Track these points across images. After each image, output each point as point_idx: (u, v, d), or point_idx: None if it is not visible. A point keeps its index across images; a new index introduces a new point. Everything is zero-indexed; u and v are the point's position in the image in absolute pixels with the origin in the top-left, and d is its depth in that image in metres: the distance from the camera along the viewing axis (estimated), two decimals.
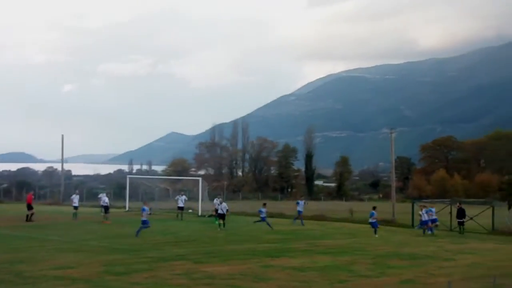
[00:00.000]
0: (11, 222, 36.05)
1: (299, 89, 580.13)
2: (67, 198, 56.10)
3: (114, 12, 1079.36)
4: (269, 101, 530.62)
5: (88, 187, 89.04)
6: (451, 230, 35.99)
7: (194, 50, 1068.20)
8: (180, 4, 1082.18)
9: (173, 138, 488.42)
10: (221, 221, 33.92)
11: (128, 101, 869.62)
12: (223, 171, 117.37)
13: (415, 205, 40.51)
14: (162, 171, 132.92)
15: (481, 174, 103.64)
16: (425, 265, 20.30)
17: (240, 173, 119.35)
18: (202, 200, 48.72)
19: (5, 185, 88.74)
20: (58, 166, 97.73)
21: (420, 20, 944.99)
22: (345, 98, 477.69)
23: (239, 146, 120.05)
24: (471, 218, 37.00)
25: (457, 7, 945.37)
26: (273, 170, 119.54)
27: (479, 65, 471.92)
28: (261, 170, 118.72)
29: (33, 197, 39.63)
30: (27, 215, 36.58)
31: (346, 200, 69.55)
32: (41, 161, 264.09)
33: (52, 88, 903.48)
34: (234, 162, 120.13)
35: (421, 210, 34.42)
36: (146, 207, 29.76)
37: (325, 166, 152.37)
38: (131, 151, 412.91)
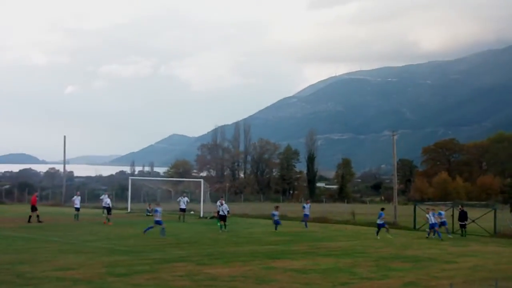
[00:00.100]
0: (13, 223, 36.07)
1: (300, 92, 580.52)
2: (68, 200, 56.16)
3: (115, 14, 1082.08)
4: (271, 103, 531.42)
5: (90, 189, 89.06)
6: (453, 232, 35.89)
7: (196, 53, 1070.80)
8: (181, 7, 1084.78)
9: (175, 139, 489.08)
10: (223, 223, 34.03)
11: (130, 103, 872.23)
12: (225, 173, 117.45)
13: (416, 207, 40.47)
14: (164, 172, 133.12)
15: (483, 176, 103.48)
16: (427, 268, 20.24)
17: (242, 175, 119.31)
18: (203, 201, 48.75)
19: (7, 186, 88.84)
20: (60, 167, 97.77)
21: (421, 23, 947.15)
22: (346, 100, 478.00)
23: (241, 148, 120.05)
24: (473, 221, 36.93)
25: (459, 10, 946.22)
26: (275, 172, 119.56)
27: (481, 68, 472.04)
28: (263, 172, 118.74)
29: (37, 198, 39.86)
30: (30, 216, 36.62)
31: (348, 203, 69.40)
32: (43, 162, 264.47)
33: (54, 90, 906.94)
34: (236, 164, 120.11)
35: (428, 213, 34.09)
36: (159, 208, 29.77)
37: (327, 168, 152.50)
38: (133, 153, 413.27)
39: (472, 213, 38.11)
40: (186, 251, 23.61)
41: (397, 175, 57.53)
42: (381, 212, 33.02)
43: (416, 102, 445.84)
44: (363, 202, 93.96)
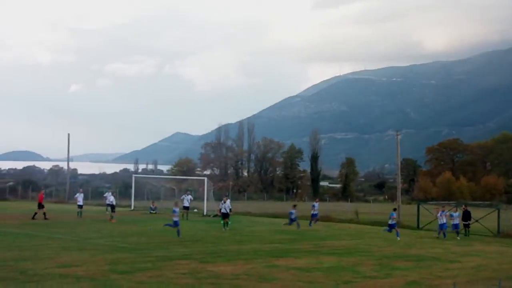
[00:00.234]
0: (17, 220, 36.12)
1: (304, 91, 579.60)
2: (72, 197, 56.21)
3: (115, 14, 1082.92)
4: (274, 102, 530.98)
5: (93, 186, 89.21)
6: (457, 232, 35.80)
7: (200, 52, 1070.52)
8: (181, 7, 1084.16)
9: (178, 138, 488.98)
10: (226, 220, 34.01)
11: (134, 101, 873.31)
12: (229, 171, 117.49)
13: (420, 206, 40.38)
14: (168, 170, 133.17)
15: (487, 176, 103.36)
16: (431, 267, 20.21)
17: (245, 174, 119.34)
18: (207, 200, 48.80)
19: (11, 183, 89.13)
20: (64, 165, 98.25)
21: (425, 23, 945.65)
22: (350, 100, 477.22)
23: (245, 146, 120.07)
24: (477, 221, 36.89)
25: (463, 10, 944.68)
26: (279, 171, 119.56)
27: (485, 68, 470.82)
28: (266, 171, 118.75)
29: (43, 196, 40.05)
30: (35, 213, 36.72)
31: (351, 202, 69.30)
32: (47, 159, 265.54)
33: (59, 88, 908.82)
34: (239, 162, 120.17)
35: (437, 213, 33.70)
36: (176, 208, 28.98)
37: (330, 168, 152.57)
38: (136, 151, 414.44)
39: (475, 213, 38.05)
40: (189, 248, 23.60)
41: (401, 175, 57.52)
42: (392, 212, 32.57)
43: (420, 102, 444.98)
44: (367, 201, 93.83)
